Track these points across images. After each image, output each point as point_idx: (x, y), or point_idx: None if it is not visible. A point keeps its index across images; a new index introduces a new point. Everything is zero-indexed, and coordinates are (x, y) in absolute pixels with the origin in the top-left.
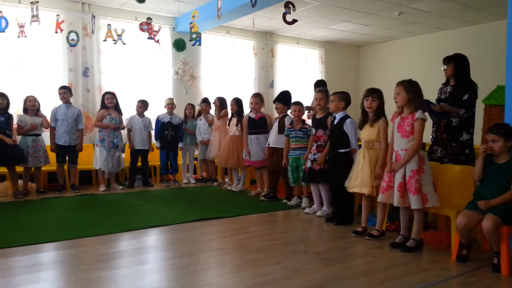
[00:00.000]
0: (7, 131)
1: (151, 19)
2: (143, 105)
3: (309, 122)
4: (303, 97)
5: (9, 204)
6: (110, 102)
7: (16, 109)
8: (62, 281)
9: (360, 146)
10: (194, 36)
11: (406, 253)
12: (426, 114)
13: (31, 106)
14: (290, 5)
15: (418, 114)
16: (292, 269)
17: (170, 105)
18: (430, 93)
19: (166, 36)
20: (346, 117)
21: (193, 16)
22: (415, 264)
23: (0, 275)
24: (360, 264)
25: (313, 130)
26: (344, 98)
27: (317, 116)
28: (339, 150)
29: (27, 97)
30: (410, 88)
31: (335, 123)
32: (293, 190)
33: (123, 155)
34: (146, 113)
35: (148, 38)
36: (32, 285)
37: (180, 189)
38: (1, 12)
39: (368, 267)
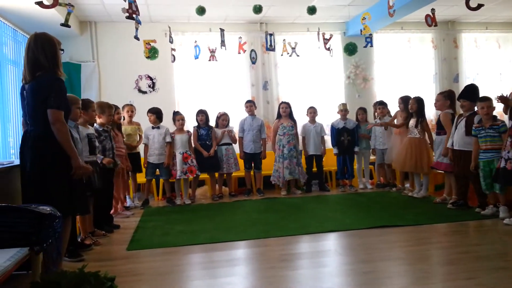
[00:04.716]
0: (207, 142)
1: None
2: (313, 111)
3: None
4: (498, 90)
5: (209, 206)
6: (284, 111)
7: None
8: (252, 277)
9: None
10: (365, 38)
11: None
12: None
13: (223, 121)
14: None
15: None
16: (488, 287)
17: (343, 111)
18: None
19: (337, 42)
20: None
21: (364, 18)
22: None
23: (206, 267)
24: None
25: (510, 123)
26: None
27: None
28: None
29: (219, 113)
30: None
31: None
32: (487, 198)
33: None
34: (317, 119)
35: (319, 47)
36: (229, 278)
37: (357, 195)
38: (196, 41)
39: None
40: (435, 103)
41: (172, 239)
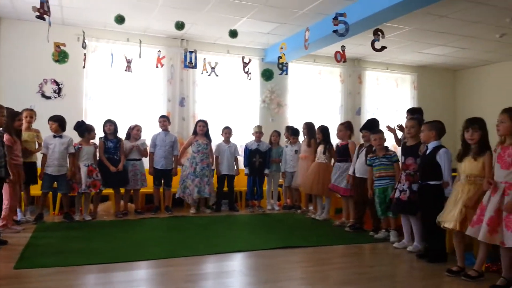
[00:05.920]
0: (115, 156)
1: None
2: (229, 132)
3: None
4: (393, 124)
5: (111, 223)
6: (201, 130)
7: (121, 136)
8: None
9: (453, 178)
10: (281, 66)
11: None
12: None
13: (137, 131)
14: (379, 32)
15: None
16: None
17: (258, 133)
18: None
19: (255, 67)
20: (440, 147)
21: (281, 48)
22: None
23: None
24: None
25: (402, 158)
26: (435, 126)
27: (408, 144)
28: (429, 182)
29: (133, 125)
30: None
31: (427, 152)
32: (380, 223)
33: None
34: (231, 139)
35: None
36: None
37: (264, 216)
38: (111, 49)
39: None
40: (337, 133)
41: (68, 257)
